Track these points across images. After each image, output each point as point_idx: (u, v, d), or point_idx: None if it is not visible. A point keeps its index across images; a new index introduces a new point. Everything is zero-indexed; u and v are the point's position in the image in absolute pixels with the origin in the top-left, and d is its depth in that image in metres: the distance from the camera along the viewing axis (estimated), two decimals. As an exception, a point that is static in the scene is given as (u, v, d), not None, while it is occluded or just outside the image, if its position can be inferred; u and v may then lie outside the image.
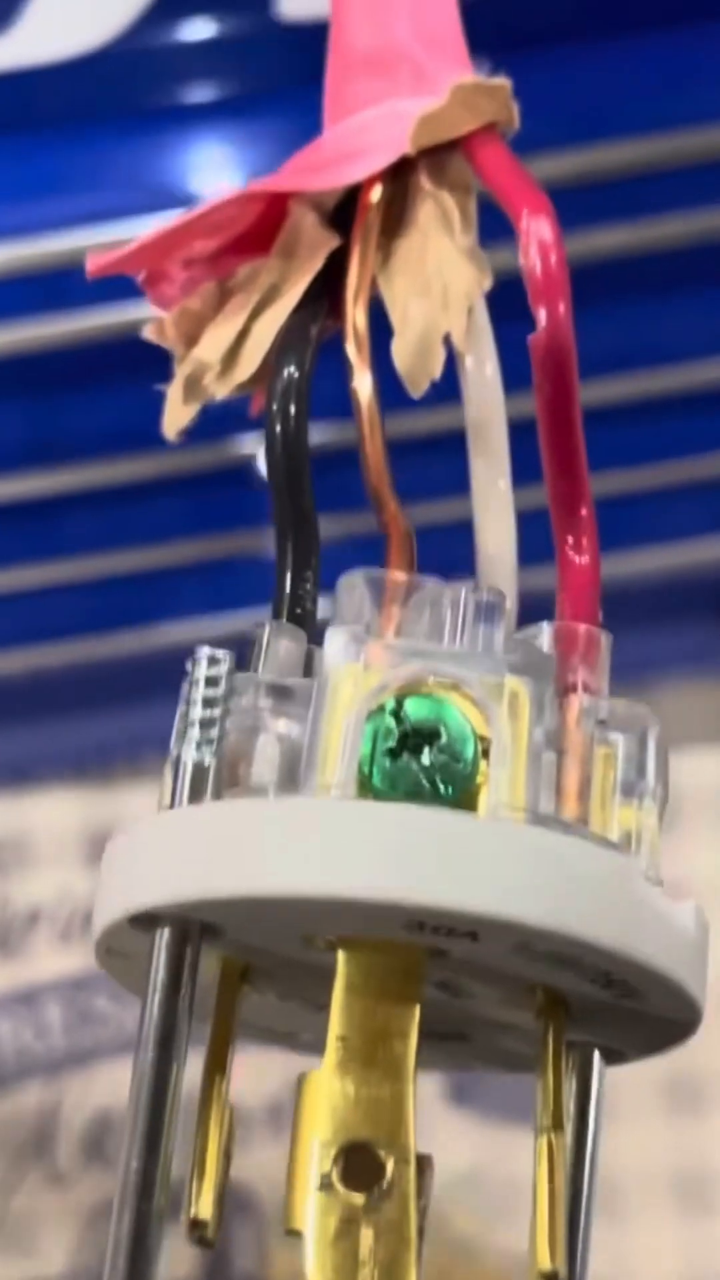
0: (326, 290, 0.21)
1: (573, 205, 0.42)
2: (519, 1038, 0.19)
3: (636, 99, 0.42)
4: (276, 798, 0.18)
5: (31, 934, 0.52)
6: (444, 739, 0.17)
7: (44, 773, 0.54)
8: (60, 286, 0.42)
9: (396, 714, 0.18)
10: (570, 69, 0.41)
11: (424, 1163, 0.18)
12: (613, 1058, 0.19)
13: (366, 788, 0.17)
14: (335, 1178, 0.17)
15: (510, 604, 0.20)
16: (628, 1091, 0.49)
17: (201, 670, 0.18)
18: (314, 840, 0.17)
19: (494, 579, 0.20)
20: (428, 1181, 0.18)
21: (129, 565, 0.48)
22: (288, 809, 0.17)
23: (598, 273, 0.43)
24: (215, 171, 0.43)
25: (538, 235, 0.19)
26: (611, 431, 0.46)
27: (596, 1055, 0.19)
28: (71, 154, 0.43)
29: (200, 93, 0.43)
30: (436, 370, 0.21)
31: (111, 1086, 0.49)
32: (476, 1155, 0.47)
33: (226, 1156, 0.18)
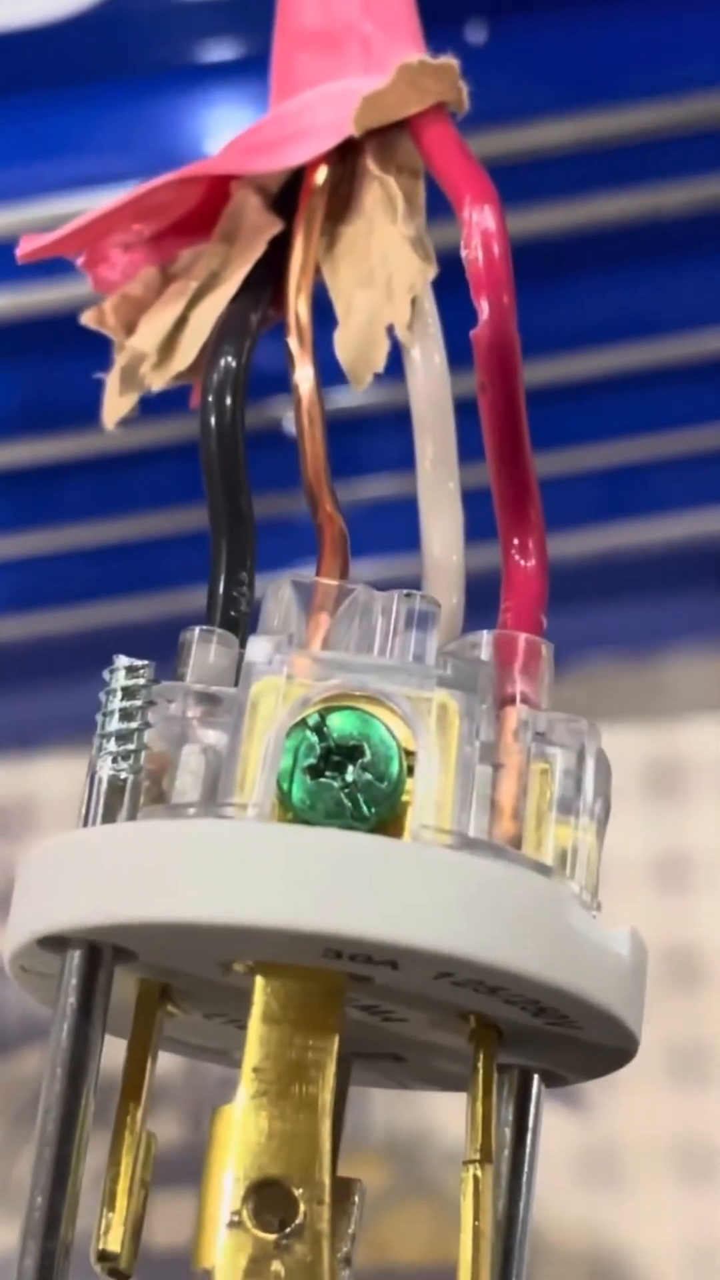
0: (269, 277, 0.20)
1: (575, 171, 0.41)
2: (454, 1058, 0.19)
3: (640, 64, 0.41)
4: (190, 819, 0.17)
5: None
6: (367, 756, 0.17)
7: (48, 738, 0.53)
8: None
9: (319, 729, 0.17)
10: (573, 33, 0.40)
11: (350, 1188, 0.18)
12: (552, 1080, 0.19)
13: (286, 807, 0.17)
14: (246, 1215, 0.16)
15: (455, 605, 0.19)
16: (632, 1061, 0.49)
17: (119, 680, 0.18)
18: (226, 865, 0.16)
19: (439, 580, 0.19)
20: (353, 1206, 0.18)
21: (133, 531, 0.47)
22: (199, 831, 0.17)
23: (601, 240, 0.42)
24: (216, 134, 0.42)
25: (481, 225, 0.18)
26: (617, 400, 0.46)
27: (535, 1079, 0.19)
28: (69, 116, 0.42)
29: (199, 53, 0.42)
30: (380, 362, 0.20)
31: (112, 1050, 0.49)
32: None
33: (143, 1186, 0.17)
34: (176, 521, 0.47)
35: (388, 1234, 0.45)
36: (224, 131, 0.42)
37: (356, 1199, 0.18)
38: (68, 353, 0.44)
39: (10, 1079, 0.53)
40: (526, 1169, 0.18)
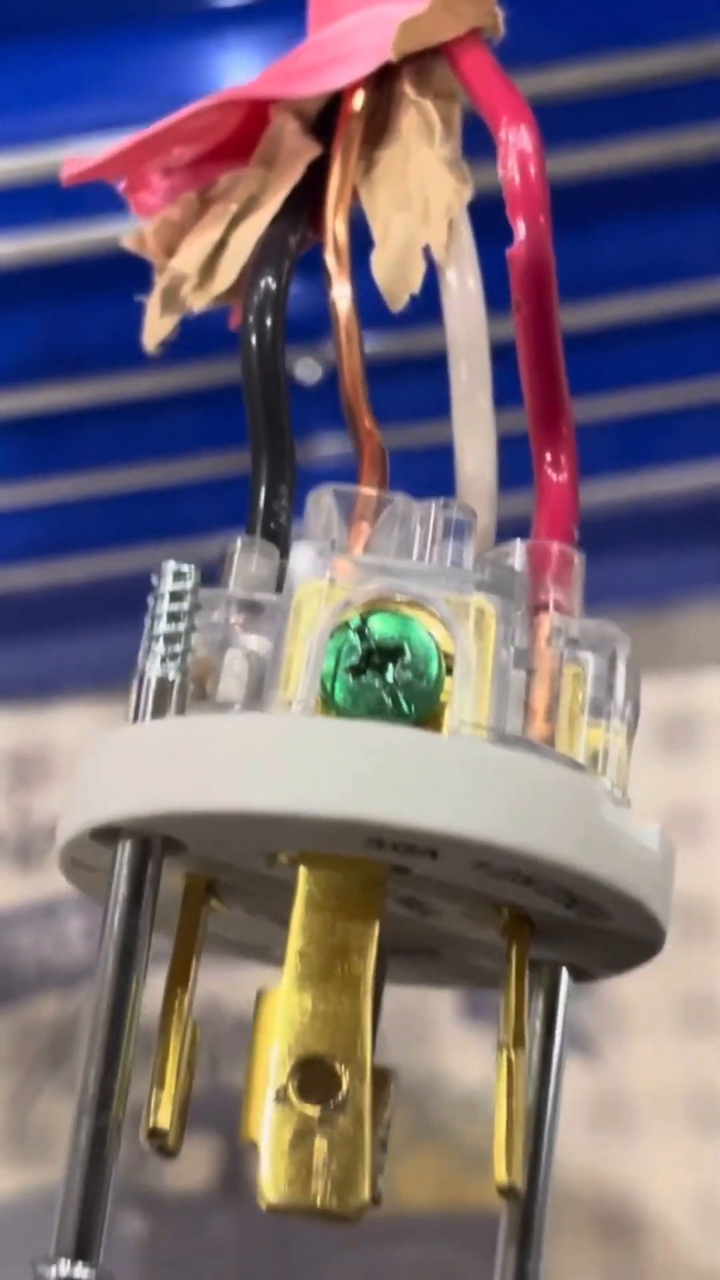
0: (308, 201, 0.21)
1: (595, 117, 0.41)
2: (488, 954, 0.19)
3: (660, 7, 0.41)
4: (237, 713, 0.17)
5: (53, 847, 0.53)
6: (408, 656, 0.17)
7: (64, 687, 0.54)
8: (74, 195, 0.42)
9: (361, 631, 0.17)
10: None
11: (386, 1076, 0.18)
12: (580, 976, 0.19)
13: (329, 705, 0.17)
14: (291, 1090, 0.17)
15: (487, 524, 0.20)
16: (644, 1010, 0.50)
17: (167, 585, 0.18)
18: (273, 757, 0.17)
19: (472, 499, 0.20)
20: (388, 1094, 0.18)
21: (150, 479, 0.48)
22: (247, 725, 0.17)
23: (622, 186, 0.42)
24: (233, 78, 0.42)
25: (517, 145, 0.19)
26: (636, 349, 0.46)
27: (564, 974, 0.19)
28: (87, 59, 0.42)
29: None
30: (416, 284, 0.20)
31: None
32: (490, 1069, 0.48)
33: (189, 1068, 0.18)
34: (194, 469, 0.47)
35: (398, 1178, 0.46)
36: (240, 75, 0.42)
37: (391, 1085, 0.19)
38: (83, 298, 0.44)
39: (26, 1025, 0.54)
40: (556, 1059, 0.19)
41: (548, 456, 0.20)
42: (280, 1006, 0.17)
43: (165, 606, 0.18)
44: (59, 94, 0.42)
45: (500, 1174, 0.17)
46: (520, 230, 0.19)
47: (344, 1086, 0.17)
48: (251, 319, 0.20)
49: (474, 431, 0.20)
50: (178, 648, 0.18)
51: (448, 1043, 0.50)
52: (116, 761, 0.18)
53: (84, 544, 0.50)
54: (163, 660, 0.18)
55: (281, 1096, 0.17)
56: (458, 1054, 0.50)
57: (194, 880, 0.18)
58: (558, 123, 0.41)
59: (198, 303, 0.21)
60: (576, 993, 0.20)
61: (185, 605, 0.18)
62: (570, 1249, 0.48)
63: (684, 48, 0.40)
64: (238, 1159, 0.48)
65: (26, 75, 0.42)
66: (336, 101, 0.21)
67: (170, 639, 0.18)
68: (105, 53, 0.42)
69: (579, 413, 0.48)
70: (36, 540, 0.50)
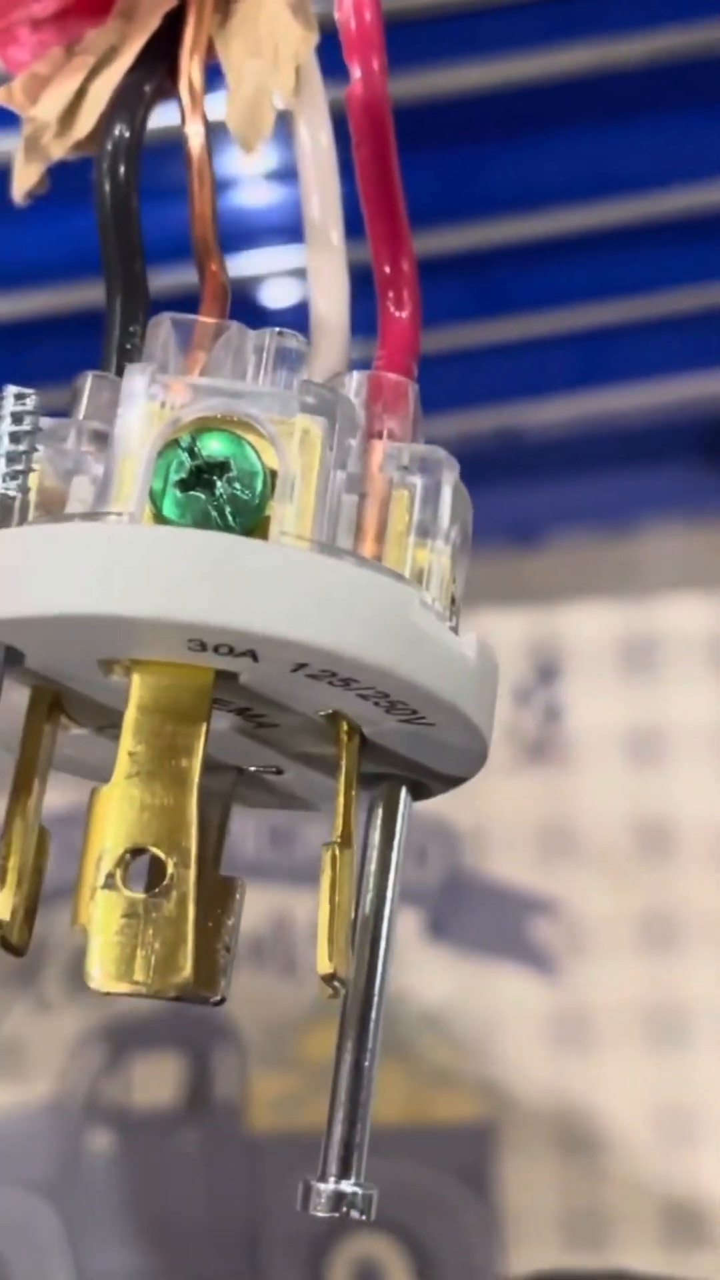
0: (166, 51, 0.21)
1: (533, 23, 0.40)
2: (332, 772, 0.20)
3: None
4: (66, 523, 0.18)
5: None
6: (234, 472, 0.18)
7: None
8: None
9: (190, 449, 0.18)
10: None
11: (231, 884, 0.19)
12: (419, 793, 0.20)
13: (159, 519, 0.18)
14: (119, 878, 0.18)
15: (339, 360, 0.21)
16: (604, 929, 0.50)
17: (8, 407, 0.19)
18: (95, 562, 0.17)
19: (324, 337, 0.21)
20: (234, 902, 0.19)
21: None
22: (72, 532, 0.18)
23: (579, 93, 0.42)
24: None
25: (351, -12, 0.20)
26: (592, 262, 0.45)
27: (403, 790, 0.20)
28: None
29: None
30: (267, 129, 0.21)
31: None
32: (452, 987, 0.49)
33: (37, 873, 0.19)
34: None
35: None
36: None
37: (237, 895, 0.19)
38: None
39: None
40: (394, 868, 0.20)
41: (390, 294, 0.20)
42: (112, 801, 0.18)
43: (6, 428, 0.19)
44: None
45: (323, 963, 0.18)
46: (356, 71, 0.20)
47: (168, 873, 0.18)
48: (105, 165, 0.21)
49: (326, 270, 0.21)
50: (19, 467, 0.19)
51: (409, 961, 0.51)
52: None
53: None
54: (3, 479, 0.19)
55: (110, 884, 0.18)
56: (421, 971, 0.50)
57: (40, 692, 0.19)
58: (493, 29, 0.40)
59: (58, 150, 0.22)
60: (417, 811, 0.21)
61: (26, 426, 0.19)
62: (530, 1163, 0.49)
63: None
64: (204, 1076, 0.49)
65: None
66: (195, -47, 0.22)
67: (11, 458, 0.19)
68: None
69: (534, 327, 0.47)
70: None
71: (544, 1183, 0.49)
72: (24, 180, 0.22)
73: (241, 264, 0.37)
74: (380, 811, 0.20)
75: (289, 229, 0.37)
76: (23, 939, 0.19)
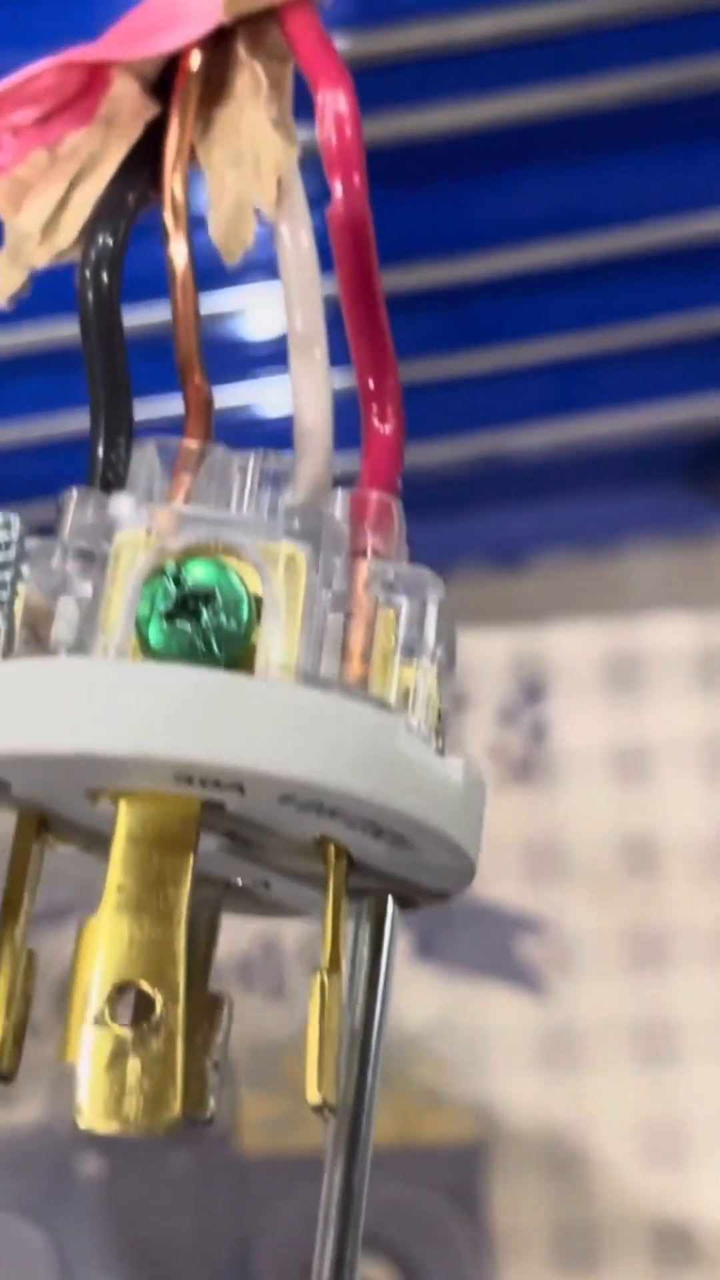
0: (148, 160, 0.21)
1: (512, 65, 0.41)
2: (318, 885, 0.20)
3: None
4: (52, 657, 0.18)
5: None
6: (219, 601, 0.18)
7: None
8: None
9: (176, 577, 0.18)
10: None
11: (219, 1001, 0.19)
12: (406, 904, 0.20)
13: (145, 650, 0.18)
14: (107, 1015, 0.18)
15: (323, 474, 0.21)
16: (591, 946, 0.51)
17: (-8, 535, 0.19)
18: (83, 699, 0.18)
19: (309, 450, 0.21)
20: (221, 1018, 0.19)
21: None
22: (60, 668, 0.18)
23: (549, 132, 0.42)
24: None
25: (333, 108, 0.20)
26: (569, 295, 0.46)
27: (390, 902, 0.20)
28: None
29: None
30: (249, 239, 0.21)
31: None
32: (440, 1007, 0.49)
33: (25, 999, 0.19)
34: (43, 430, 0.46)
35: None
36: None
37: (225, 1011, 0.20)
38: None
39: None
40: (382, 982, 0.20)
41: (374, 407, 0.20)
42: (99, 935, 0.18)
43: (-10, 556, 0.19)
44: None
45: (312, 1093, 0.18)
46: (337, 190, 0.20)
47: (157, 1009, 0.18)
48: (89, 274, 0.21)
49: (310, 383, 0.21)
50: (3, 595, 0.19)
51: (397, 981, 0.51)
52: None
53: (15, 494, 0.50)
54: (-12, 608, 0.19)
55: (99, 1020, 0.18)
56: (409, 990, 0.51)
57: (26, 814, 0.19)
58: (473, 70, 0.41)
59: (41, 259, 0.22)
60: (402, 919, 0.21)
61: (10, 554, 0.19)
62: (520, 1182, 0.49)
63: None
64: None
65: None
66: (176, 61, 0.22)
67: (-6, 587, 0.19)
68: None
69: (515, 358, 0.48)
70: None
71: (534, 1202, 0.50)
72: (8, 286, 0.22)
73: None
74: (368, 925, 0.20)
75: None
76: (12, 1067, 0.19)
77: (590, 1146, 0.50)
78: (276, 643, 0.18)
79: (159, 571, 0.18)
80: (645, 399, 0.49)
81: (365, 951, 0.20)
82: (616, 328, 0.46)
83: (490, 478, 0.49)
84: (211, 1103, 0.19)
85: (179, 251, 0.21)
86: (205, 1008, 0.20)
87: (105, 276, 0.21)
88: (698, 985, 0.51)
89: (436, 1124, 0.49)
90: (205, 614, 0.18)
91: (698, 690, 0.53)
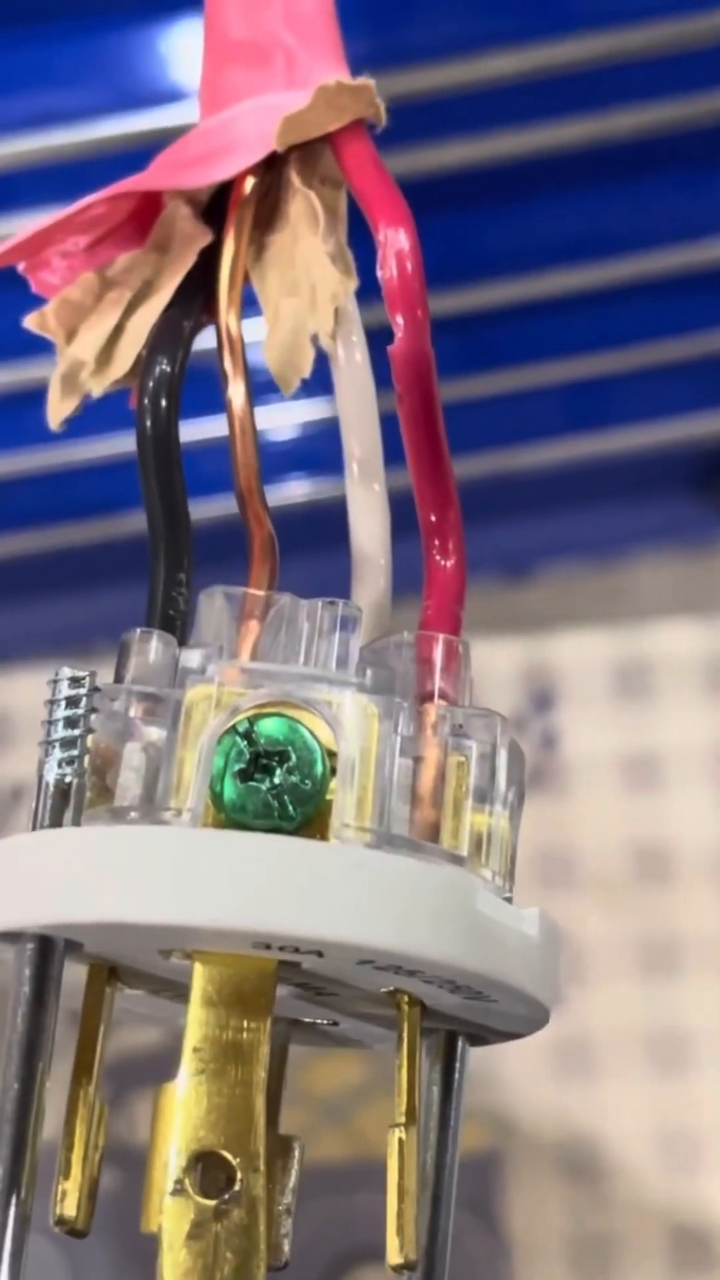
0: (201, 284, 0.21)
1: (530, 99, 0.41)
2: (386, 1023, 0.20)
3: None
4: (129, 824, 0.18)
5: (15, 811, 0.54)
6: (293, 759, 0.18)
7: (23, 652, 0.54)
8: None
9: (249, 735, 0.18)
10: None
11: (289, 1144, 0.19)
12: (477, 1041, 0.20)
13: (219, 808, 0.18)
14: (188, 1183, 0.18)
15: (383, 600, 0.20)
16: (604, 955, 0.51)
17: (63, 690, 0.19)
18: (162, 869, 0.17)
19: (367, 573, 0.21)
20: (293, 1161, 0.19)
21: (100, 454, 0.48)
22: (137, 837, 0.18)
23: (558, 164, 0.43)
24: (177, 64, 0.42)
25: (395, 245, 0.19)
26: (578, 317, 0.47)
27: (461, 1041, 0.20)
28: (29, 51, 0.42)
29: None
30: (306, 368, 0.21)
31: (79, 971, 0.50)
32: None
33: (97, 1150, 0.19)
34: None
35: (364, 1126, 0.47)
36: (184, 61, 0.42)
37: (296, 1154, 0.19)
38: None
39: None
40: (453, 1123, 0.20)
41: (436, 543, 0.20)
42: (177, 1101, 0.18)
43: (61, 712, 0.19)
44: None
45: (393, 1255, 0.18)
46: (399, 326, 0.19)
47: (238, 1179, 0.18)
48: (146, 402, 0.20)
49: (367, 508, 0.21)
50: (74, 751, 0.19)
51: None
52: (17, 871, 0.18)
53: (42, 517, 0.50)
54: (59, 764, 0.19)
55: (179, 1189, 0.18)
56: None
57: (97, 968, 0.19)
58: (493, 105, 0.41)
59: (96, 387, 0.21)
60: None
61: (81, 710, 0.19)
62: (536, 1191, 0.49)
63: (609, 31, 0.41)
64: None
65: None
66: (228, 186, 0.21)
67: (66, 744, 0.19)
68: (46, 42, 0.42)
69: (527, 379, 0.49)
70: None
71: (550, 1210, 0.50)
72: (60, 411, 0.22)
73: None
74: (438, 1063, 0.20)
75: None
76: (87, 1224, 0.19)
77: (605, 1154, 0.50)
78: (350, 802, 0.18)
79: (230, 729, 0.18)
80: (653, 416, 0.50)
81: (436, 1092, 0.20)
82: (624, 349, 0.47)
83: (499, 488, 0.50)
84: (286, 1248, 0.19)
85: (237, 393, 0.20)
86: (277, 1150, 0.19)
87: (164, 403, 0.20)
88: (710, 991, 0.51)
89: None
90: (279, 772, 0.18)
91: (706, 698, 0.53)
